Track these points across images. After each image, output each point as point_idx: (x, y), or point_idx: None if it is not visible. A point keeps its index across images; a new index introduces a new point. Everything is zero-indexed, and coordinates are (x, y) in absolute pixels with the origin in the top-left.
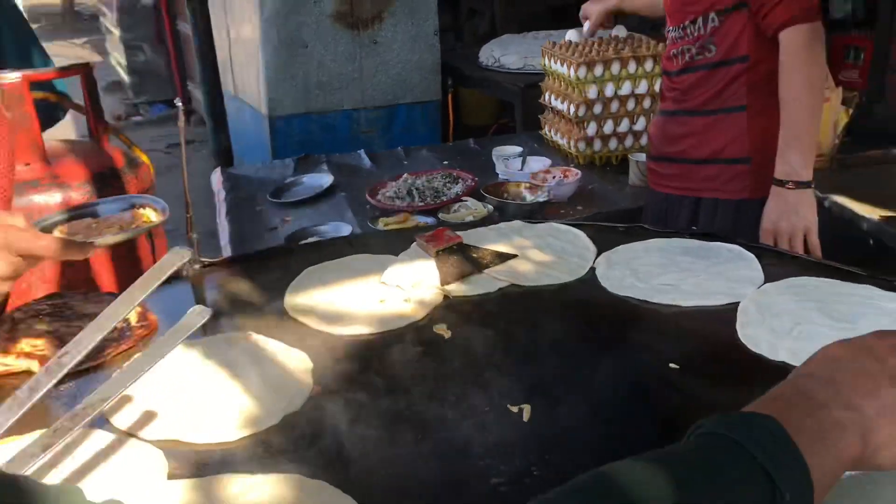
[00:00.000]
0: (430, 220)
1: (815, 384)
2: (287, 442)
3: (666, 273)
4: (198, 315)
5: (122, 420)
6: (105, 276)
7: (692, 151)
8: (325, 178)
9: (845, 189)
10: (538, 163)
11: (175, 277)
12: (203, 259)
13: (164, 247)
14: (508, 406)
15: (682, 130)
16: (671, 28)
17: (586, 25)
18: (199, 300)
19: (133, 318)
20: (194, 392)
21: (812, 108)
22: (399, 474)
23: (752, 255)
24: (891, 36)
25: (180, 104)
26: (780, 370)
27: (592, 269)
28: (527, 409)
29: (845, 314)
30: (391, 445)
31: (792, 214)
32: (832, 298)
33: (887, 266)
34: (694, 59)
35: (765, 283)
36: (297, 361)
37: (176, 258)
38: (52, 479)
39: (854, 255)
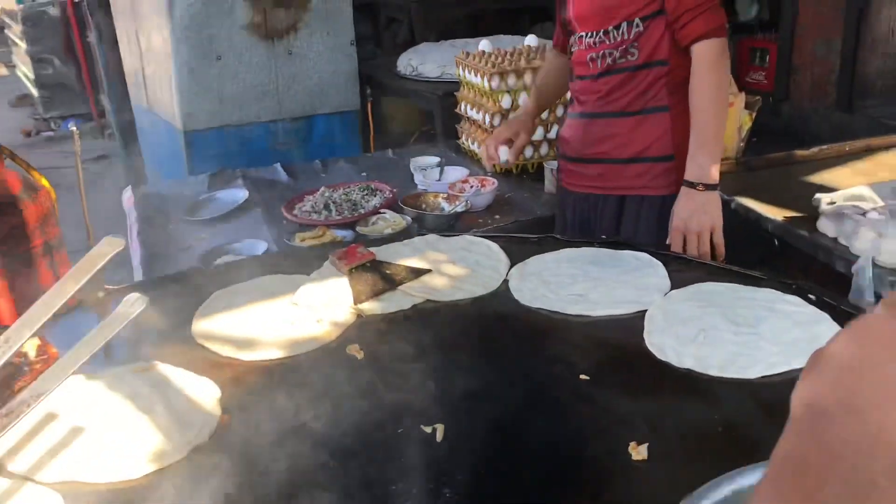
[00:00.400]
0: (347, 233)
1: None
2: (194, 475)
3: (576, 283)
4: (133, 304)
5: (16, 464)
6: (3, 307)
7: (617, 152)
8: (240, 194)
9: (750, 191)
10: (456, 172)
11: (77, 306)
12: (107, 286)
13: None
14: (422, 427)
15: (605, 132)
16: (586, 34)
17: (503, 154)
18: None
19: (32, 351)
20: (96, 428)
21: (719, 116)
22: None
23: (658, 262)
24: (793, 38)
25: (74, 128)
26: (685, 377)
27: (506, 282)
28: (440, 428)
29: (748, 318)
30: (303, 473)
31: (701, 213)
32: (735, 303)
33: (790, 265)
34: (616, 62)
35: (671, 289)
36: (204, 390)
37: (109, 248)
38: None
39: (759, 255)
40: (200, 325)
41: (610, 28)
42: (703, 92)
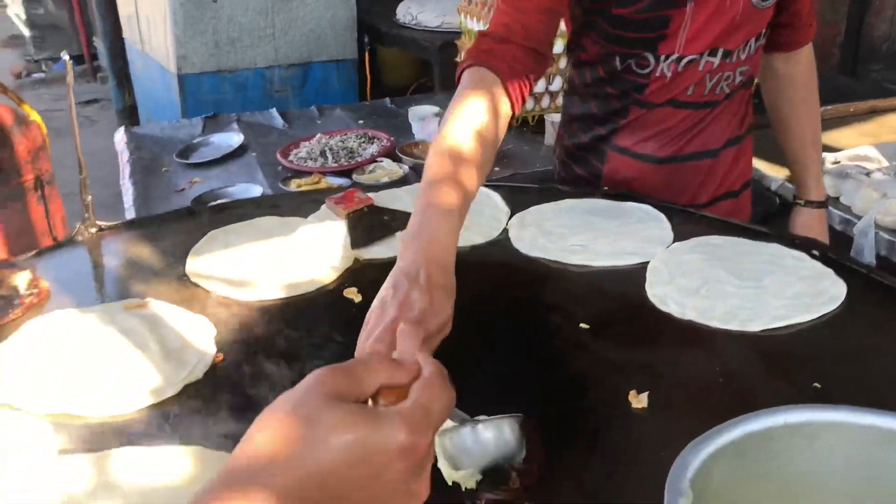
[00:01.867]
0: (343, 181)
1: None
2: (188, 412)
3: (577, 234)
4: None
5: (5, 394)
6: None
7: (699, 196)
8: (234, 138)
9: (754, 150)
10: None
11: (69, 242)
12: (99, 223)
13: (58, 207)
14: None
15: (690, 176)
16: (699, 55)
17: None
18: (96, 266)
19: (23, 285)
20: (87, 362)
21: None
22: None
23: (661, 215)
24: None
25: (66, 56)
26: (686, 328)
27: (505, 231)
28: None
29: (752, 272)
30: None
31: (825, 235)
32: (739, 257)
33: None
34: (734, 84)
35: (674, 242)
36: (198, 328)
37: None
38: None
39: (761, 214)
40: (195, 264)
41: (740, 47)
42: (815, 98)
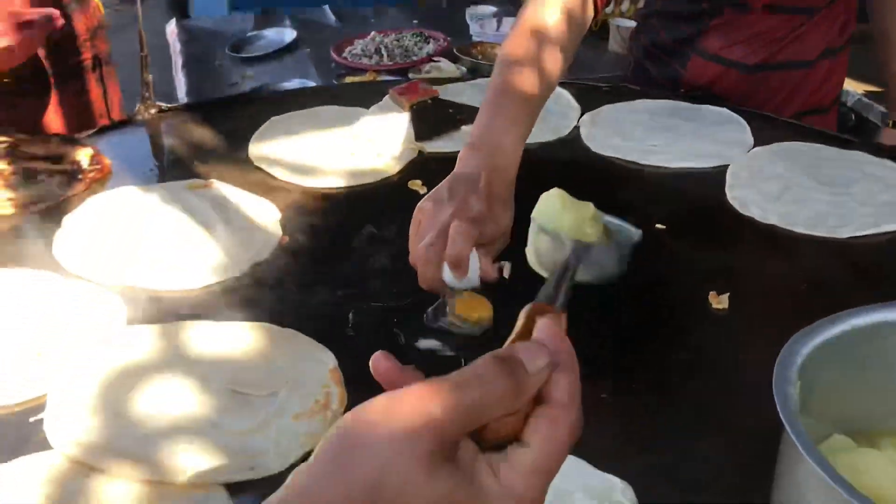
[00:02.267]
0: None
1: None
2: (254, 291)
3: (653, 134)
4: None
5: (73, 264)
6: (53, 119)
7: (784, 110)
8: (287, 34)
9: None
10: None
11: (129, 122)
12: (159, 103)
13: (116, 89)
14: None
15: (774, 87)
16: None
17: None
18: (156, 146)
19: (85, 160)
20: (153, 238)
21: None
22: (371, 325)
23: (741, 119)
24: None
25: None
26: (769, 232)
27: (576, 129)
28: (507, 266)
29: (837, 179)
30: (364, 299)
31: None
32: (824, 164)
33: (868, 140)
34: None
35: (755, 146)
36: (264, 211)
37: None
38: None
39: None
40: (258, 149)
41: None
42: None
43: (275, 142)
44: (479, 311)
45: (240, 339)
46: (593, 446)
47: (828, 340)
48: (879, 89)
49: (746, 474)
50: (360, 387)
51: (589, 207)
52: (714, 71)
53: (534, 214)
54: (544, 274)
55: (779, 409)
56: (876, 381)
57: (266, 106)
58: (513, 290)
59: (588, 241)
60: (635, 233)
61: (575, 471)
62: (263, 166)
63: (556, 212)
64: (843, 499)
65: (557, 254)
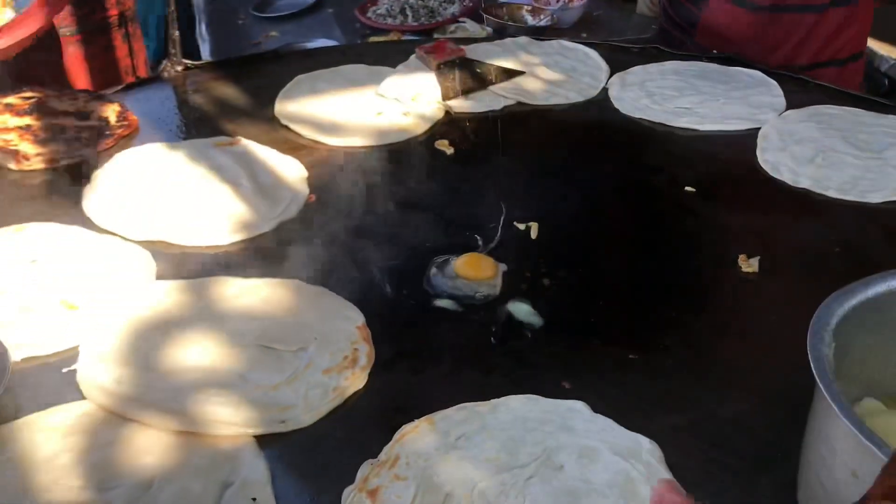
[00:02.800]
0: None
1: None
2: (282, 248)
3: (683, 96)
4: None
5: (102, 219)
6: (79, 74)
7: (799, 56)
8: None
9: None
10: None
11: (155, 79)
12: (185, 61)
13: (141, 47)
14: (515, 223)
15: (787, 31)
16: None
17: None
18: (183, 103)
19: (112, 117)
20: (181, 194)
21: None
22: (398, 284)
23: (773, 82)
24: None
25: None
26: (800, 196)
27: (605, 90)
28: (534, 226)
29: (871, 143)
30: (391, 258)
31: None
32: (857, 128)
33: None
34: None
35: (787, 109)
36: (291, 169)
37: None
38: (30, 273)
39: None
40: (284, 107)
41: None
42: None
43: (301, 100)
44: (482, 272)
45: (268, 295)
46: (621, 405)
47: (863, 302)
48: None
49: (774, 434)
50: (387, 343)
51: None
52: (727, 12)
53: None
54: None
55: (813, 368)
56: None
57: (291, 64)
58: (536, 250)
59: None
60: None
61: (602, 429)
62: (290, 124)
63: None
64: (876, 456)
65: None
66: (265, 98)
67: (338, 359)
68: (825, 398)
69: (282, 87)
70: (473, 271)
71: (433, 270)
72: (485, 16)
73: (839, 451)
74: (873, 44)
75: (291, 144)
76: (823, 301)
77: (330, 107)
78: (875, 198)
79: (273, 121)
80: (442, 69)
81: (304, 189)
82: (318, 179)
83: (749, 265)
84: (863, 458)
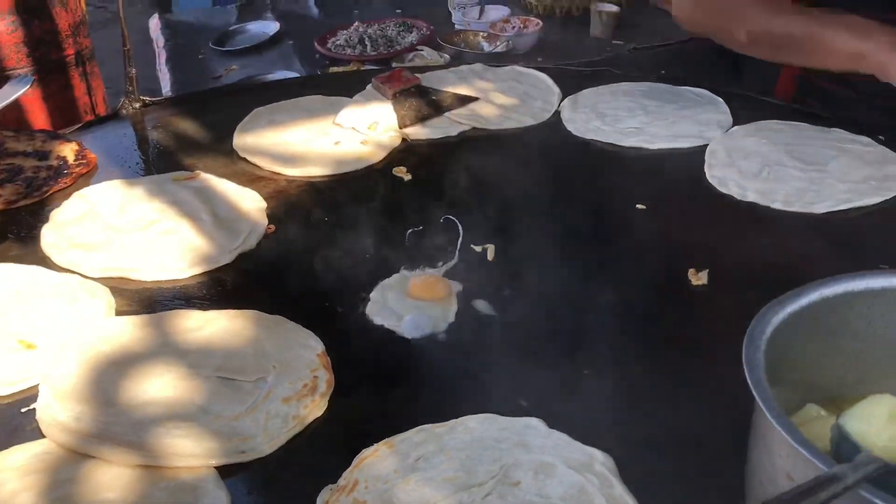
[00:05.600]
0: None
1: None
2: (241, 280)
3: (633, 116)
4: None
5: (60, 257)
6: (37, 114)
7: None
8: (270, 26)
9: None
10: (497, 12)
11: (113, 116)
12: (143, 98)
13: (99, 84)
14: (472, 246)
15: None
16: None
17: None
18: (141, 139)
19: (70, 156)
20: (139, 230)
21: None
22: (358, 310)
23: (720, 99)
24: None
25: None
26: (748, 209)
27: (557, 113)
28: (490, 248)
29: (815, 156)
30: (350, 284)
31: None
32: (802, 141)
33: (856, 112)
34: None
35: (733, 126)
36: (249, 201)
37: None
38: None
39: (822, 102)
40: (243, 139)
41: None
42: None
43: (259, 132)
44: (436, 292)
45: (227, 326)
46: (576, 420)
47: (797, 310)
48: None
49: (724, 443)
50: (348, 371)
51: None
52: None
53: (841, 420)
54: None
55: (748, 377)
56: (846, 348)
57: (250, 97)
58: (492, 271)
59: None
60: None
61: (557, 445)
62: (248, 157)
63: (877, 424)
64: (808, 460)
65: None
66: (224, 132)
67: (297, 387)
68: (760, 406)
69: (240, 120)
70: (427, 292)
71: (389, 295)
72: (442, 44)
73: (776, 456)
74: None
75: (250, 176)
76: (759, 311)
77: (288, 138)
78: (819, 208)
79: (232, 154)
80: (398, 97)
81: (262, 220)
82: (277, 210)
83: (698, 278)
84: (795, 461)
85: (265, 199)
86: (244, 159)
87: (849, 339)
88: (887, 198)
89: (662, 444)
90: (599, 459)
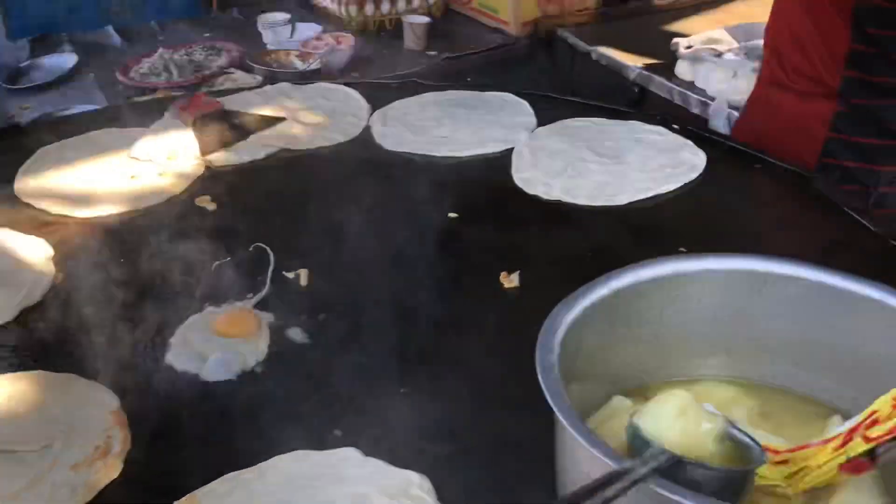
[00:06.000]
0: None
1: None
2: (25, 338)
3: (442, 125)
4: None
5: None
6: None
7: None
8: (68, 59)
9: (611, 40)
10: (309, 30)
11: None
12: None
13: None
14: (284, 273)
15: None
16: None
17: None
18: None
19: None
20: None
21: None
22: (156, 359)
23: (524, 101)
24: None
25: None
26: (555, 209)
27: (367, 128)
28: (303, 273)
29: (614, 150)
30: (150, 330)
31: None
32: (602, 136)
33: (652, 110)
34: None
35: (538, 126)
36: (33, 250)
37: None
38: None
39: (622, 104)
40: (26, 183)
41: None
42: None
43: (45, 174)
44: (243, 328)
45: (8, 392)
46: (393, 444)
47: (588, 306)
48: (659, 61)
49: (541, 448)
50: (146, 422)
51: (716, 421)
52: None
53: (635, 419)
54: None
55: (540, 378)
56: (643, 336)
57: (38, 136)
58: (306, 298)
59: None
60: (758, 455)
61: (373, 473)
62: (32, 201)
63: (666, 419)
64: (600, 458)
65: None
66: (6, 176)
67: (88, 450)
68: (553, 408)
69: (24, 161)
70: (234, 328)
71: (194, 336)
72: (253, 65)
73: (576, 457)
74: (619, 55)
75: (36, 223)
76: (550, 312)
77: (79, 177)
78: (621, 200)
79: (14, 200)
80: (198, 123)
81: (49, 270)
82: (66, 257)
83: (510, 281)
84: (592, 461)
85: (53, 246)
86: (29, 205)
87: (644, 327)
88: (683, 184)
89: (479, 456)
90: (416, 482)
